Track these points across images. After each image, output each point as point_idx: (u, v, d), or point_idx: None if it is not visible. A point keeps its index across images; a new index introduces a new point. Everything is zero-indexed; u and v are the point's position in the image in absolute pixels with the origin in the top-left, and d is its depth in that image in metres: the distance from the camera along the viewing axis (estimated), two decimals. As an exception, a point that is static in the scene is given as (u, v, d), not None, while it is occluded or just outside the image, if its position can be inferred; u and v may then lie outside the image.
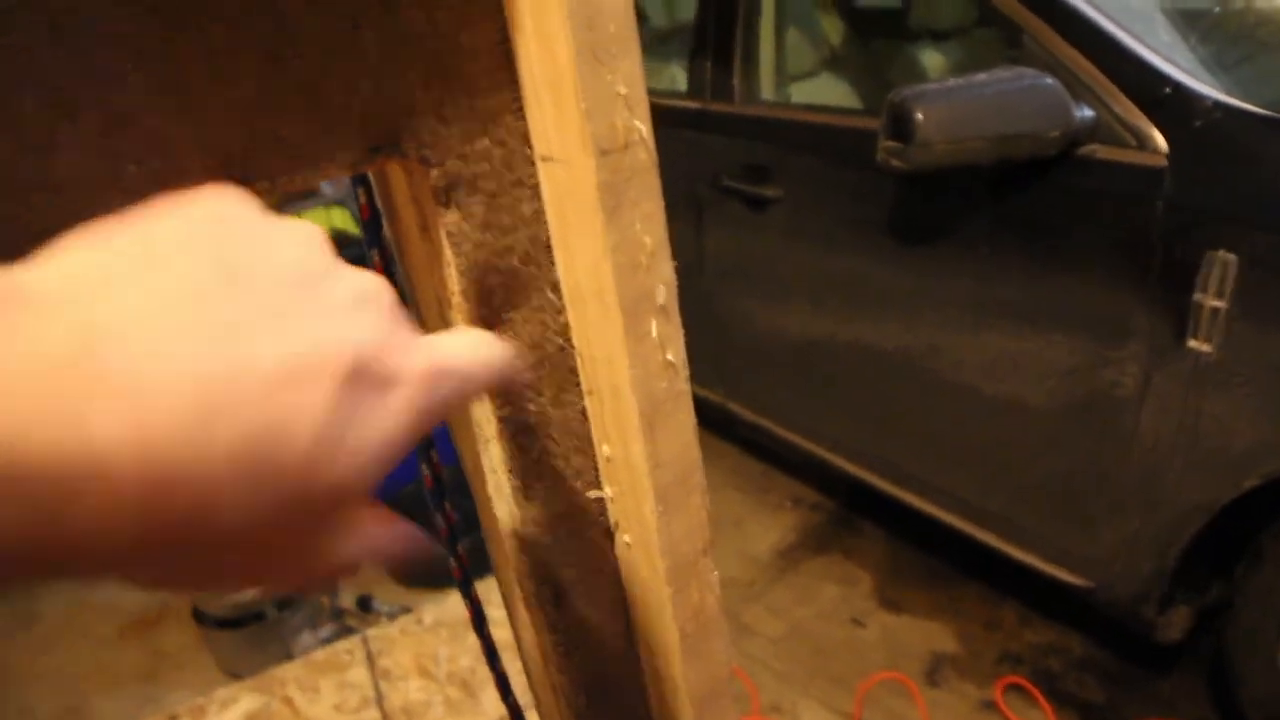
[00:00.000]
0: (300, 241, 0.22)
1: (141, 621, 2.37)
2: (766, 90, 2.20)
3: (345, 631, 2.15)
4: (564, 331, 0.40)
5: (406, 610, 2.20)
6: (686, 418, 0.43)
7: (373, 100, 0.31)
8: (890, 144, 1.44)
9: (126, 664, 2.24)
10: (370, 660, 1.48)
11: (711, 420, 2.55)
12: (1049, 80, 1.42)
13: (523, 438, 0.43)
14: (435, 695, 1.28)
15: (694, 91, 2.29)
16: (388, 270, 0.42)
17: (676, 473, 0.43)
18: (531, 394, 0.42)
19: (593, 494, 0.45)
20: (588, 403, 0.42)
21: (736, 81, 2.18)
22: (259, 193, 0.27)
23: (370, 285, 0.23)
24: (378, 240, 0.41)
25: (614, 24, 0.33)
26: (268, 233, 0.22)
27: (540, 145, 0.36)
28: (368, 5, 0.30)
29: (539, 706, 0.58)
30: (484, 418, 0.43)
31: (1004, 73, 1.44)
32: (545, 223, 0.38)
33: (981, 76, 1.44)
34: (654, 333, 0.39)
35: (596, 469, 0.44)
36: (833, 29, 2.46)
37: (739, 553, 2.41)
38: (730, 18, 2.19)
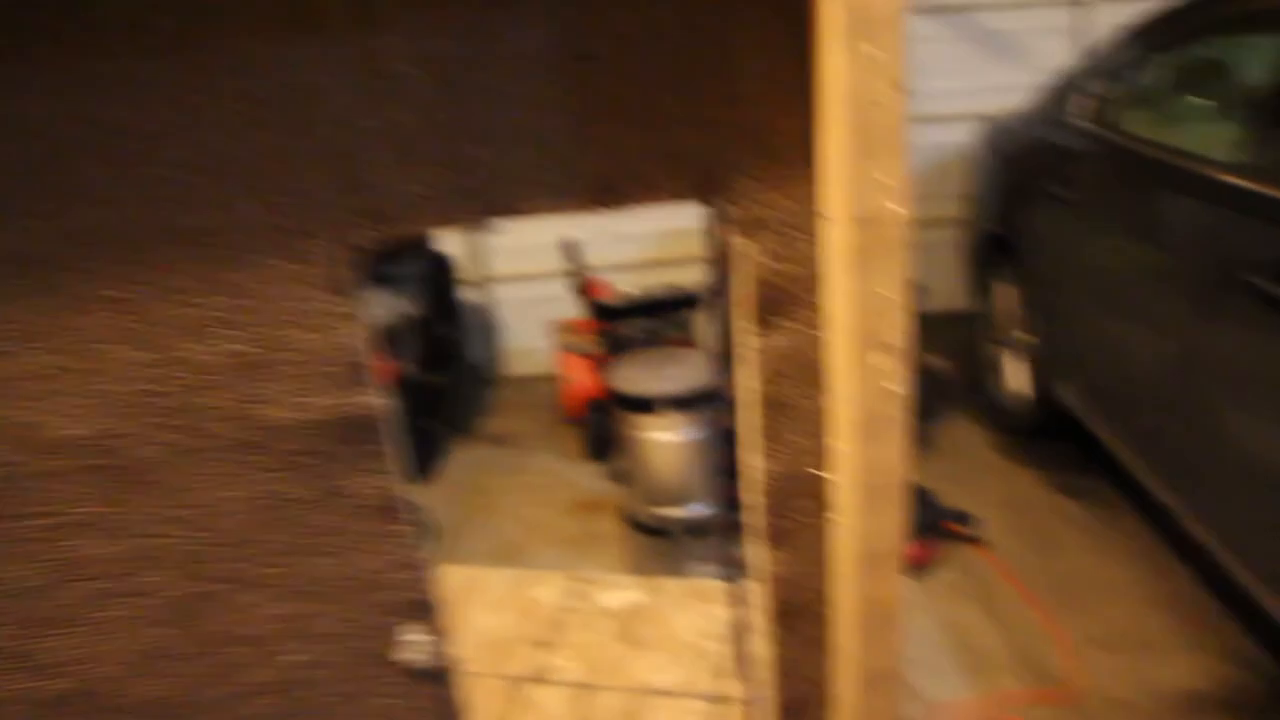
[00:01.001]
0: None
1: (586, 504, 2.90)
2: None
3: (729, 575, 2.43)
4: (815, 344, 0.54)
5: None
6: (897, 438, 0.54)
7: (708, 159, 0.48)
8: None
9: (563, 531, 2.78)
10: (735, 605, 1.71)
11: (1168, 530, 2.32)
12: None
13: (775, 411, 0.57)
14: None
15: (1248, 166, 2.06)
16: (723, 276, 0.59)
17: (881, 481, 0.55)
18: (789, 382, 0.56)
19: (817, 472, 0.58)
20: (825, 401, 0.55)
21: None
22: (620, 207, 0.46)
23: None
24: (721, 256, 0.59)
25: (883, 134, 0.46)
26: None
27: (820, 206, 0.50)
28: (717, 100, 0.47)
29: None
30: (749, 389, 0.58)
31: None
32: (815, 260, 0.52)
33: None
34: (878, 363, 0.51)
35: (822, 454, 0.57)
36: None
37: (1137, 674, 2.19)
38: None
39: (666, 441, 2.50)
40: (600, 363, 3.12)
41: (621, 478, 3.09)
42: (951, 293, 3.64)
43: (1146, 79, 2.83)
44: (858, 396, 0.52)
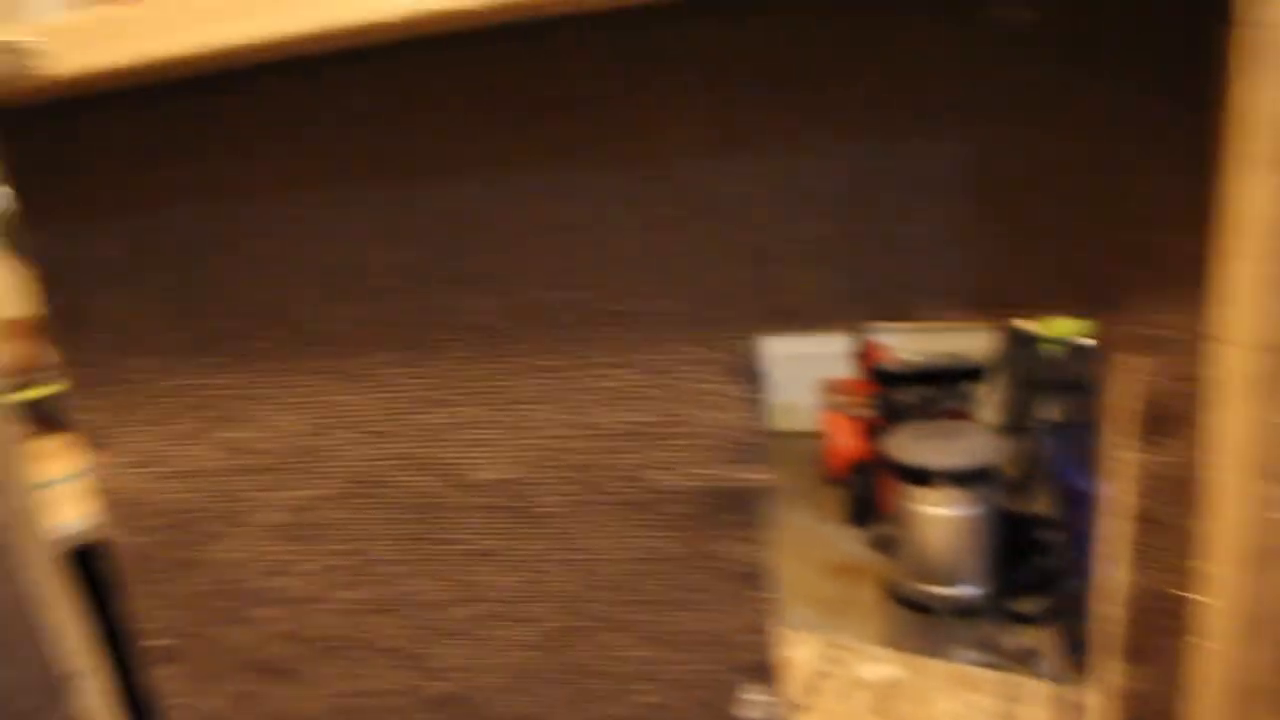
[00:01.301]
0: None
1: (844, 568, 2.85)
2: None
3: (994, 662, 2.29)
4: (1197, 466, 0.52)
5: (1058, 679, 2.23)
6: (1286, 573, 0.51)
7: (1101, 275, 0.50)
8: None
9: (820, 592, 2.75)
10: (1003, 698, 1.63)
11: None
12: None
13: (1147, 527, 0.56)
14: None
15: None
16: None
17: (1264, 612, 0.52)
18: (1164, 500, 0.55)
19: (1186, 594, 0.56)
20: (1200, 524, 0.54)
21: None
22: (1009, 317, 0.49)
23: None
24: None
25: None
26: None
27: (1216, 328, 0.49)
28: (1114, 219, 0.48)
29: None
30: (1120, 501, 0.58)
31: None
32: (1206, 382, 0.51)
33: None
34: (1268, 493, 0.49)
35: (1190, 576, 0.55)
36: None
37: None
38: None
39: (942, 516, 2.42)
40: (870, 426, 3.07)
41: (884, 546, 3.02)
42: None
43: None
44: (1244, 524, 0.50)
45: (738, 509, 0.57)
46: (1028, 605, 2.60)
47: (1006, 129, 0.48)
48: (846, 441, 3.09)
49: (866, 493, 3.07)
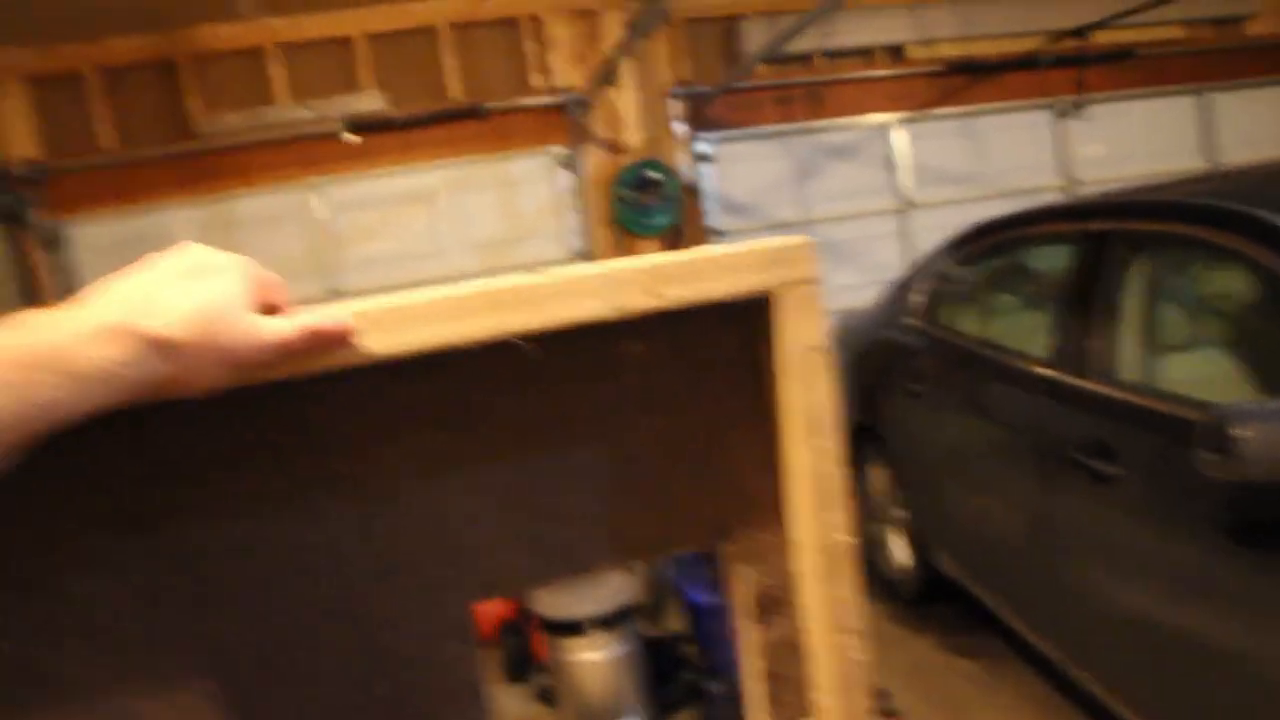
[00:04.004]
0: (207, 255, 0.53)
1: (516, 730, 2.90)
2: (1126, 367, 2.32)
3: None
4: (798, 635, 0.73)
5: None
6: (862, 695, 0.73)
7: (718, 514, 0.69)
8: (1207, 455, 1.56)
9: None
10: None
11: (1051, 676, 2.56)
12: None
13: (774, 680, 0.75)
14: None
15: (1055, 359, 2.47)
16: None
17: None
18: (781, 660, 0.75)
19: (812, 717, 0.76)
20: (809, 669, 0.74)
21: (1091, 354, 2.33)
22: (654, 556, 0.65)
23: (230, 264, 0.52)
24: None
25: (832, 493, 0.68)
26: (193, 254, 0.53)
27: (793, 538, 0.71)
28: (721, 474, 0.68)
29: None
30: (755, 665, 0.76)
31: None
32: (793, 574, 0.72)
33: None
34: (848, 644, 0.71)
35: (809, 706, 0.75)
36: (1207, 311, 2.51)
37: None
38: (1094, 291, 2.36)
39: (596, 660, 2.59)
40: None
41: (546, 698, 3.12)
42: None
43: (965, 283, 3.33)
44: (834, 666, 0.71)
45: None
46: (685, 718, 2.86)
47: (636, 420, 0.66)
48: (492, 603, 3.18)
49: (520, 648, 3.17)
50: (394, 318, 0.56)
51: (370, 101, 4.28)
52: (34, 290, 4.00)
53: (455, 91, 4.34)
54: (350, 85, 4.29)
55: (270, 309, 0.55)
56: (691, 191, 4.57)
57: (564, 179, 4.46)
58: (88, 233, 4.13)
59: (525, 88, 4.44)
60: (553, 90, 4.40)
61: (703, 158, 4.58)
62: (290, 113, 4.22)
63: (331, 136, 4.21)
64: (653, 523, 0.67)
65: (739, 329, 0.66)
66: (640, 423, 0.66)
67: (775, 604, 0.73)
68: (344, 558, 0.63)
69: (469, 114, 4.31)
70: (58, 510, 0.54)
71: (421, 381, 0.62)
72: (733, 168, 4.66)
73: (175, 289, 0.49)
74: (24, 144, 3.99)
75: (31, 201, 3.99)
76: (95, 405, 0.46)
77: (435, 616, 0.64)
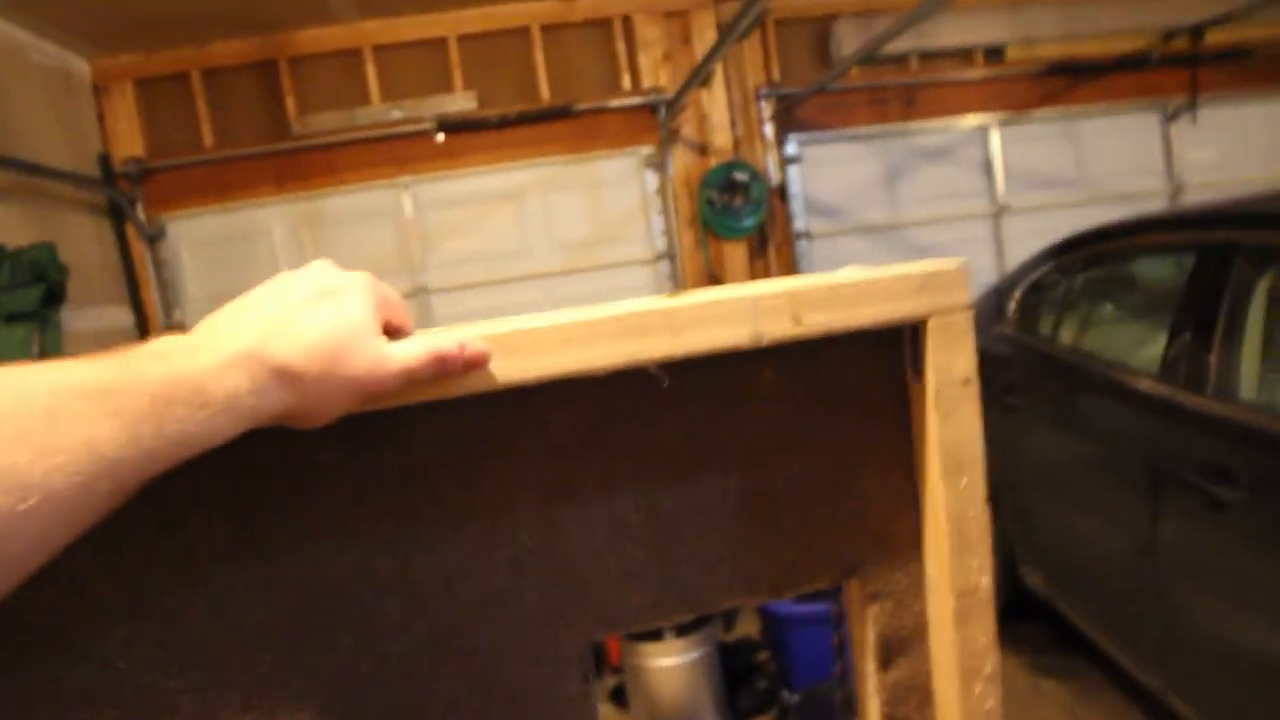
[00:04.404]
0: (332, 276, 0.51)
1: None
2: (1246, 388, 2.19)
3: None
4: (924, 678, 0.69)
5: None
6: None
7: (847, 553, 0.65)
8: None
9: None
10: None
11: (1148, 703, 2.43)
12: None
13: (895, 728, 0.71)
14: None
15: (1168, 375, 2.34)
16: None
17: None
18: (906, 704, 0.70)
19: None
20: (934, 714, 0.70)
21: (1210, 372, 2.20)
22: (776, 596, 0.62)
23: (355, 286, 0.50)
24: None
25: (976, 535, 0.63)
26: (320, 274, 0.51)
27: (928, 581, 0.66)
28: (852, 511, 0.64)
29: None
30: (876, 708, 0.72)
31: None
32: (924, 617, 0.68)
33: None
34: (978, 691, 0.66)
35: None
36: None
37: None
38: (1214, 305, 2.23)
39: (672, 666, 2.57)
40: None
41: (617, 699, 3.10)
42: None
43: (1068, 293, 3.19)
44: (958, 713, 0.66)
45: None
46: (759, 729, 2.81)
47: (766, 459, 0.62)
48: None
49: (595, 648, 3.16)
50: (523, 342, 0.54)
51: (462, 102, 4.32)
52: (136, 282, 4.16)
53: (545, 92, 4.35)
54: (442, 86, 4.34)
55: (394, 330, 0.53)
56: (779, 194, 4.49)
57: (651, 180, 4.43)
58: (186, 227, 4.28)
59: (614, 88, 4.43)
60: (642, 91, 4.38)
61: (791, 159, 4.50)
62: (382, 113, 4.29)
63: (422, 136, 4.27)
64: (781, 560, 0.64)
65: (881, 357, 0.62)
66: (772, 455, 0.62)
67: (902, 645, 0.69)
68: (456, 588, 0.61)
69: (558, 114, 4.31)
70: (186, 541, 0.54)
71: (541, 406, 0.60)
72: (821, 170, 4.57)
73: (302, 314, 0.48)
74: (131, 143, 4.14)
75: (136, 198, 4.14)
76: (222, 437, 0.45)
77: (550, 651, 0.62)
